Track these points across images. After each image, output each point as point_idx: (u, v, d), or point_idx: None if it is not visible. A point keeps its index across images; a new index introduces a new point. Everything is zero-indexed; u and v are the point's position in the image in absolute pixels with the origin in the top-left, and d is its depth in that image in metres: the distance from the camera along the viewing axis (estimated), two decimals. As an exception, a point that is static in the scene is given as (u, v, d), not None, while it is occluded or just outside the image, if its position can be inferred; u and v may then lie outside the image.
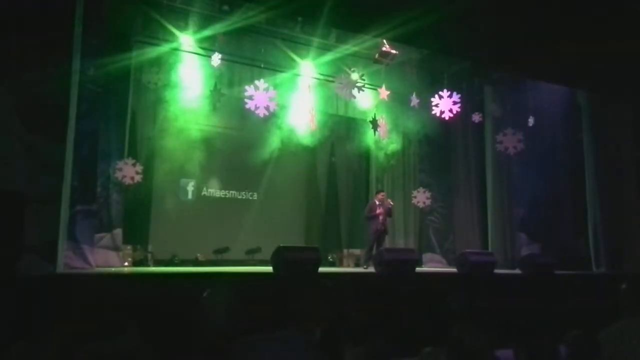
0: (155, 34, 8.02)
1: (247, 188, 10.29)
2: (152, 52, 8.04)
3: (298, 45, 8.85)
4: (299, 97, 9.17)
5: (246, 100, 8.03)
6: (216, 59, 8.03)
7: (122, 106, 7.62)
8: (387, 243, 9.23)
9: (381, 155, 10.21)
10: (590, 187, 10.08)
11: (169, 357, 3.26)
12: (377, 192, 9.46)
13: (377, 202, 8.95)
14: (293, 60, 8.88)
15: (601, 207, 9.91)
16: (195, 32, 8.08)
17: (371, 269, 7.82)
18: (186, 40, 8.13)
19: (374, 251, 8.51)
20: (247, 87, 8.06)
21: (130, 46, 7.67)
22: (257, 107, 8.00)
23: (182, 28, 8.07)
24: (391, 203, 9.12)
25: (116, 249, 7.32)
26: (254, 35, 8.41)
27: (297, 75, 9.07)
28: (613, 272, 9.35)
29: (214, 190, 9.93)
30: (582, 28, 7.75)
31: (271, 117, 8.51)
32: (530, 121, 9.72)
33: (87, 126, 6.63)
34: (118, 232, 7.40)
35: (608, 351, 2.95)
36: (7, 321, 4.20)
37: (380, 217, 8.80)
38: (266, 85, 8.04)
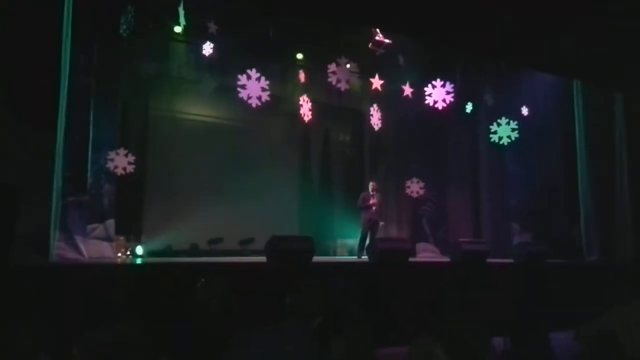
0: (146, 22, 7.92)
1: (241, 178, 10.24)
2: (143, 40, 7.95)
3: (292, 33, 8.78)
4: (292, 87, 9.11)
5: (238, 89, 7.97)
6: (208, 48, 7.94)
7: (113, 95, 7.52)
8: (380, 233, 9.24)
9: (375, 145, 10.20)
10: (583, 175, 10.12)
11: (165, 349, 3.26)
12: (370, 183, 9.45)
13: (371, 192, 8.96)
14: (287, 48, 8.81)
15: (593, 196, 9.96)
16: (187, 20, 7.99)
17: (365, 259, 7.85)
18: (178, 29, 8.04)
19: (367, 241, 8.53)
20: (239, 76, 7.99)
21: (121, 34, 7.57)
22: (249, 97, 7.95)
23: (174, 16, 7.97)
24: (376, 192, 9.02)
25: (109, 239, 7.25)
26: (247, 24, 8.32)
27: (291, 64, 9.01)
28: (605, 260, 9.43)
29: (206, 180, 9.85)
30: (576, 18, 7.75)
31: (264, 107, 8.45)
32: (524, 110, 9.74)
33: (79, 116, 6.56)
34: (111, 222, 7.32)
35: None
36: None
37: (373, 208, 8.82)
38: (258, 74, 7.98)
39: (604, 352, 2.77)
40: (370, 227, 8.81)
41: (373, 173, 10.88)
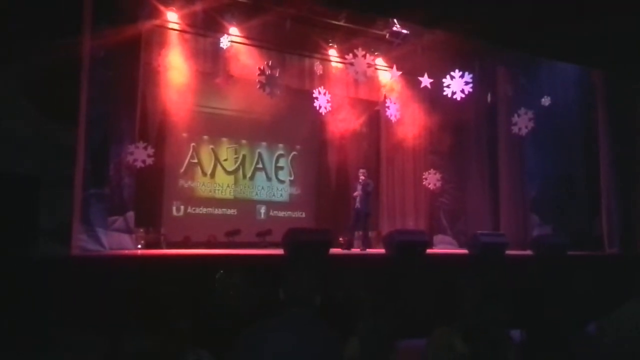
0: (165, 16, 7.97)
1: (258, 170, 10.29)
2: (163, 34, 8.01)
3: (308, 25, 8.74)
4: (310, 79, 9.08)
5: (258, 81, 7.99)
6: (225, 40, 7.97)
7: (132, 89, 7.59)
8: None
9: (392, 136, 10.13)
10: (604, 166, 9.95)
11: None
12: (360, 170, 9.13)
13: (360, 181, 8.75)
14: (304, 40, 8.78)
15: (615, 187, 9.80)
16: (205, 13, 8.01)
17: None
18: (196, 22, 8.05)
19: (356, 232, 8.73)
20: (258, 69, 8.00)
21: (140, 28, 7.62)
22: (269, 89, 7.98)
23: (193, 10, 7.99)
24: (362, 180, 8.74)
25: (129, 231, 7.36)
26: (265, 17, 8.31)
27: (308, 55, 8.97)
28: (626, 252, 9.28)
29: (223, 172, 9.89)
30: (596, 6, 7.60)
31: (282, 99, 8.45)
32: (546, 101, 9.59)
33: (99, 109, 6.65)
34: (131, 215, 7.44)
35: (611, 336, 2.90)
36: (23, 302, 4.29)
37: (358, 197, 8.68)
38: (276, 67, 7.98)
39: (623, 345, 2.74)
40: (356, 218, 8.72)
41: (389, 164, 10.79)
